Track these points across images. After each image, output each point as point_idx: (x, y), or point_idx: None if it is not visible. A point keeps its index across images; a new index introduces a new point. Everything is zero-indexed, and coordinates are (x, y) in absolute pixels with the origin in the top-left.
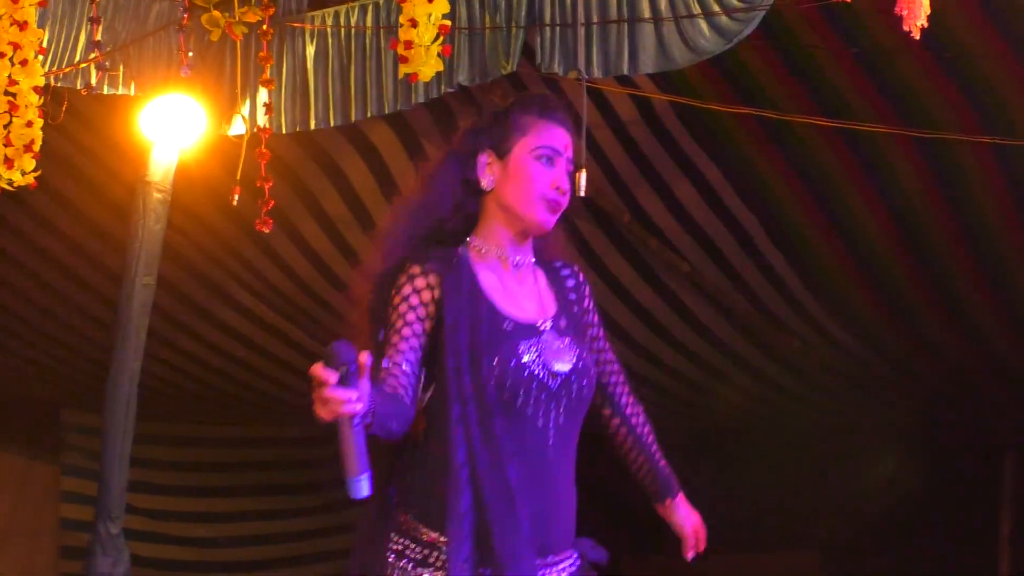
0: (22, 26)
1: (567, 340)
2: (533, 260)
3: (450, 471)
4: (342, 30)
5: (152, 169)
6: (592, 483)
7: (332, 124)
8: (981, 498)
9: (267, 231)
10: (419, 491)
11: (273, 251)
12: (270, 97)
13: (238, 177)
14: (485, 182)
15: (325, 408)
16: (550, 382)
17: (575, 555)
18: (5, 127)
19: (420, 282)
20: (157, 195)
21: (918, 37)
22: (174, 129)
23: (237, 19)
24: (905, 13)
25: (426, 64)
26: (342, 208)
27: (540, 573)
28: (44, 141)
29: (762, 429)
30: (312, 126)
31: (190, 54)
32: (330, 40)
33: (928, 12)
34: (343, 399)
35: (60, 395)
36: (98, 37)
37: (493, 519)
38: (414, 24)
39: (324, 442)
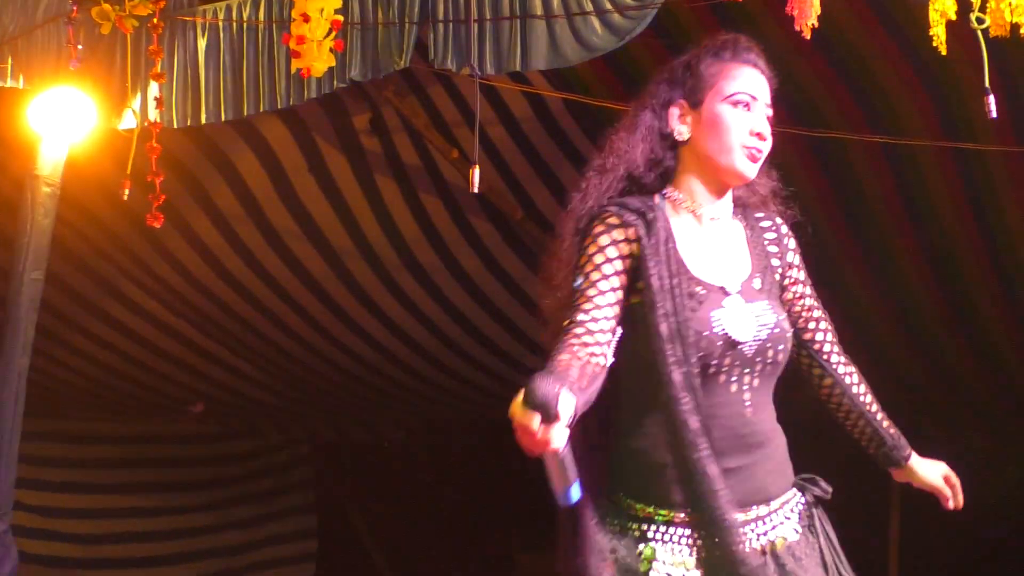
0: None
1: (762, 304)
2: (730, 215)
3: (687, 439)
4: (234, 24)
5: (41, 163)
6: (491, 482)
7: (224, 119)
8: (870, 491)
9: (158, 226)
10: (628, 469)
11: (164, 247)
12: (161, 91)
13: (128, 172)
14: (680, 134)
15: (532, 446)
16: (744, 349)
17: (795, 495)
18: None
19: (619, 234)
20: (46, 189)
21: (809, 37)
22: (63, 123)
23: (127, 12)
24: (796, 13)
25: (318, 59)
26: (234, 203)
27: (765, 523)
28: None
29: None
30: (203, 120)
31: (80, 47)
32: (222, 34)
33: (819, 12)
34: (549, 440)
35: None
36: None
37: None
38: (306, 19)
39: (214, 440)
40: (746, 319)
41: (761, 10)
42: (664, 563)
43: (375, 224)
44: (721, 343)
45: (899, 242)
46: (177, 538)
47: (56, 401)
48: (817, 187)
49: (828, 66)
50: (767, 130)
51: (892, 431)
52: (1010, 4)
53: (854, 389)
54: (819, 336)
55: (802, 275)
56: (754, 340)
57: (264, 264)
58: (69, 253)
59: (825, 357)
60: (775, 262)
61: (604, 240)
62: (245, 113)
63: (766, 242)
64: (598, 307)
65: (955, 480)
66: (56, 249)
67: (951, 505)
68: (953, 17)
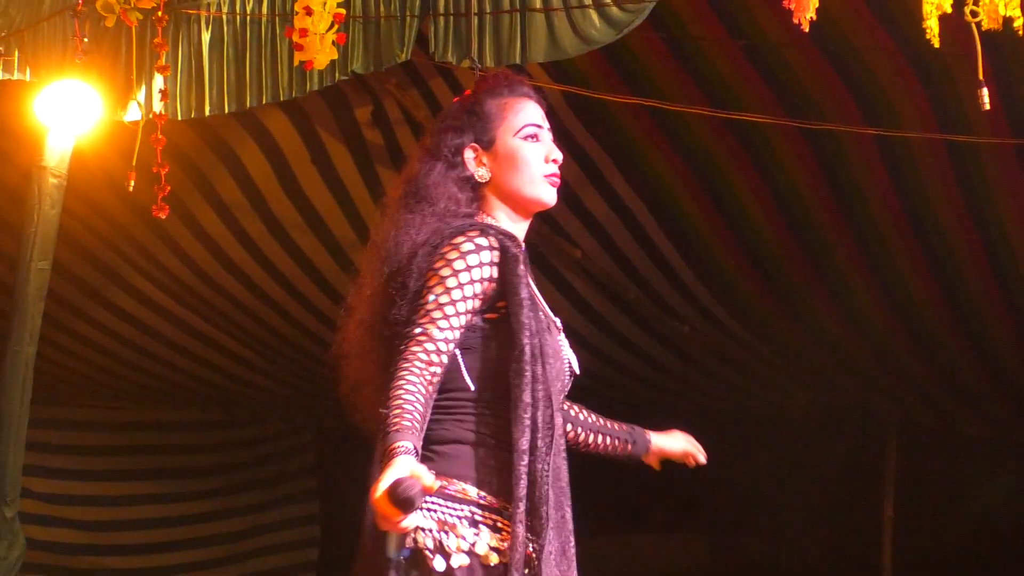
0: None
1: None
2: None
3: (515, 453)
4: (237, 17)
5: (47, 154)
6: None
7: (227, 111)
8: (865, 478)
9: (163, 217)
10: (472, 462)
11: (168, 237)
12: (165, 83)
13: (134, 163)
14: (482, 176)
15: (389, 527)
16: (568, 380)
17: None
18: None
19: (486, 255)
20: (52, 180)
21: (807, 30)
22: (70, 114)
23: (132, 5)
24: (794, 6)
25: (321, 52)
26: (237, 194)
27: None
28: None
29: (652, 413)
30: (207, 112)
31: (85, 40)
32: (225, 27)
33: (817, 5)
34: (404, 528)
35: None
36: None
37: (548, 504)
38: (309, 12)
39: (217, 427)
40: (569, 352)
41: (758, 2)
42: (488, 544)
43: (377, 215)
44: (568, 373)
45: (893, 232)
46: (182, 524)
47: (63, 389)
48: (812, 177)
49: (823, 58)
50: (559, 155)
51: (625, 428)
52: None
53: (581, 414)
54: None
55: None
56: (573, 373)
57: (268, 254)
58: (75, 243)
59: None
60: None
61: (472, 259)
62: (248, 105)
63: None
64: (452, 328)
65: (693, 440)
66: (62, 239)
67: (701, 459)
68: (948, 10)
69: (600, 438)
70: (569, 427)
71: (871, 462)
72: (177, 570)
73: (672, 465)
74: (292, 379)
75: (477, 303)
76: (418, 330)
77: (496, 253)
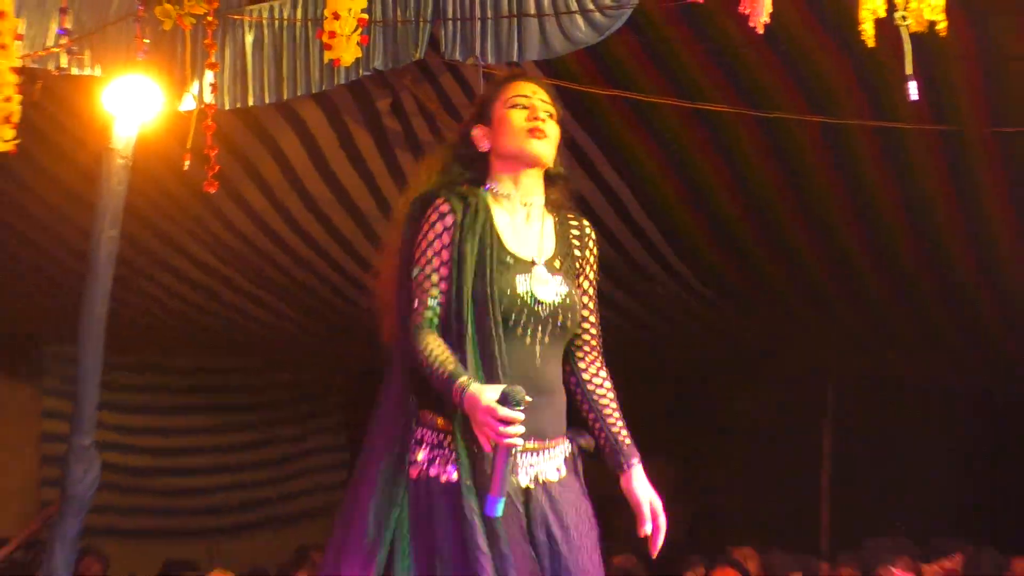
0: (0, 16)
1: (559, 278)
2: (543, 203)
3: (481, 374)
4: (276, 21)
5: (115, 139)
6: None
7: (267, 101)
8: (807, 418)
9: (213, 192)
10: (435, 393)
11: (218, 209)
12: (215, 78)
13: (188, 146)
14: (483, 146)
15: (496, 437)
16: (538, 309)
17: (568, 441)
18: None
19: (449, 219)
20: (119, 161)
21: (762, 32)
22: (133, 105)
23: (186, 11)
24: (749, 12)
25: (347, 51)
26: (276, 173)
27: (537, 456)
28: (21, 115)
29: (630, 363)
30: (251, 103)
31: (146, 41)
32: (266, 30)
33: (770, 11)
34: (515, 435)
35: (41, 328)
36: (67, 25)
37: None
38: (337, 17)
39: (262, 370)
40: (546, 286)
41: (719, 8)
42: (433, 464)
43: (396, 192)
44: (520, 302)
45: (833, 203)
46: (232, 451)
47: (132, 338)
48: (765, 158)
49: (775, 56)
50: (541, 114)
51: (626, 441)
52: (928, 3)
53: (595, 394)
54: (583, 338)
55: (591, 278)
56: (549, 304)
57: (302, 224)
58: (139, 215)
59: (579, 357)
60: (576, 252)
61: (438, 227)
62: (286, 97)
63: (571, 236)
64: (439, 288)
65: (658, 511)
66: (128, 212)
67: (645, 531)
68: (881, 15)
69: (595, 422)
70: (574, 379)
71: (813, 402)
72: (227, 488)
73: (643, 400)
74: (324, 331)
75: (444, 258)
76: (416, 301)
77: (450, 216)
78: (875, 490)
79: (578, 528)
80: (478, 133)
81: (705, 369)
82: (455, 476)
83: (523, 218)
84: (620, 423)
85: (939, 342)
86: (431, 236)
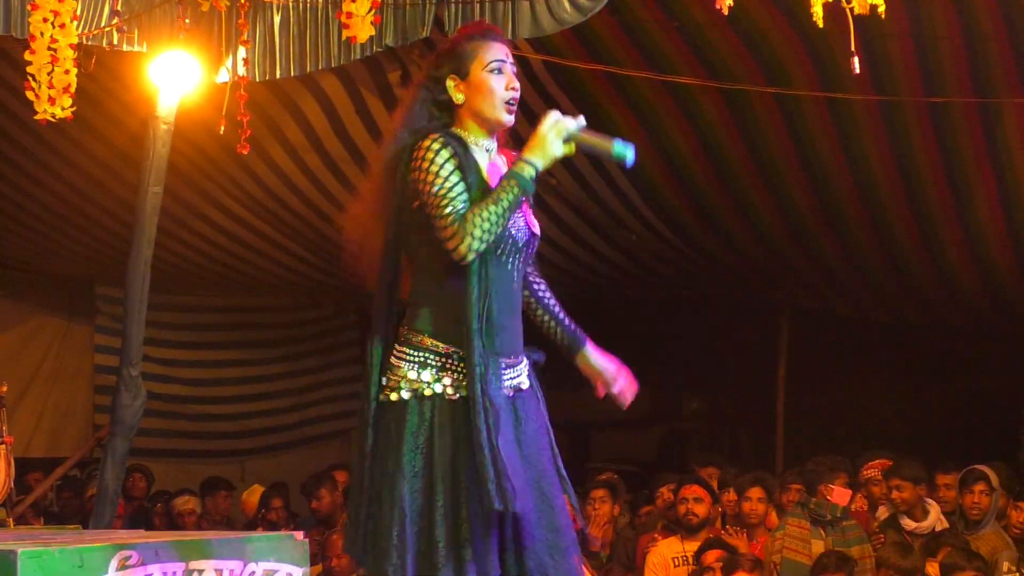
0: None
1: (529, 210)
2: (497, 149)
3: (469, 301)
4: (300, 3)
5: (159, 107)
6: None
7: (292, 74)
8: (763, 350)
9: (245, 153)
10: (437, 315)
11: (249, 168)
12: (247, 54)
13: (223, 113)
14: (457, 100)
15: (573, 118)
16: (519, 238)
17: (525, 357)
18: (48, 74)
19: (447, 152)
20: (163, 126)
21: (725, 13)
22: (175, 77)
23: None
24: None
25: (362, 30)
26: (300, 136)
27: (507, 370)
28: (78, 86)
29: (606, 301)
30: (278, 75)
31: (187, 21)
32: (291, 11)
33: None
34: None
35: (94, 272)
36: (118, 7)
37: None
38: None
39: (286, 309)
40: (525, 216)
41: None
42: (440, 382)
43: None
44: (506, 233)
45: (785, 164)
46: (261, 381)
47: (173, 280)
48: (727, 126)
49: (736, 36)
50: (518, 84)
51: (572, 326)
52: None
53: (545, 296)
54: None
55: (530, 203)
56: (526, 233)
57: (323, 181)
58: (181, 172)
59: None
60: None
61: (442, 155)
62: (308, 70)
63: None
64: (464, 198)
65: (620, 372)
66: (171, 170)
67: (613, 390)
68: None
69: (547, 318)
70: (528, 294)
71: (768, 336)
72: (257, 415)
73: (618, 335)
74: (341, 273)
75: (455, 179)
76: (447, 210)
77: (447, 150)
78: (823, 414)
79: (541, 427)
80: (452, 85)
81: (673, 307)
82: (463, 392)
83: (486, 160)
84: (566, 315)
85: (870, 282)
86: (439, 161)
